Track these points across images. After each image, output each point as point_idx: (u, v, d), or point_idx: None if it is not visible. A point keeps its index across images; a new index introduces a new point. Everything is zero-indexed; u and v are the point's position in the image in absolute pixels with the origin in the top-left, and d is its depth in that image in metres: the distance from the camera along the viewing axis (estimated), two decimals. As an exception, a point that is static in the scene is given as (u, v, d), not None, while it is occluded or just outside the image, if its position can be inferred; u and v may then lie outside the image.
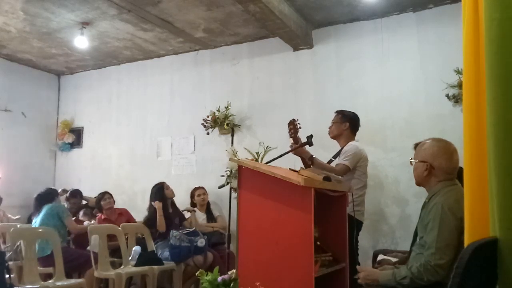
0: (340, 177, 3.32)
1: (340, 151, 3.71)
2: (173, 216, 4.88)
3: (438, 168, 2.30)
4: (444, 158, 2.30)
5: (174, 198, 5.02)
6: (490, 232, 1.67)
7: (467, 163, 1.81)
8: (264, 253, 2.57)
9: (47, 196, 4.57)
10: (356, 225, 3.37)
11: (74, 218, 4.97)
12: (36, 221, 4.40)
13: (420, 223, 2.30)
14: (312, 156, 3.45)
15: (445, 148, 2.32)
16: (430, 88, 4.47)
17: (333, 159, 3.77)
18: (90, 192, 5.77)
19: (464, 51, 1.87)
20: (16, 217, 5.47)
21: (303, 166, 3.42)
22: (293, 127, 3.48)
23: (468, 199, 1.81)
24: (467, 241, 1.80)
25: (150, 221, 4.73)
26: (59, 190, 5.29)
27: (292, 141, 3.48)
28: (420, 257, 2.18)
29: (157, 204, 4.70)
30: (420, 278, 2.12)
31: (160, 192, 4.84)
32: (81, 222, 5.01)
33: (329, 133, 3.84)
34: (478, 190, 1.76)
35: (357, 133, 3.86)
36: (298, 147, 3.45)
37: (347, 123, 3.77)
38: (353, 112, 3.85)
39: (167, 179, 5.56)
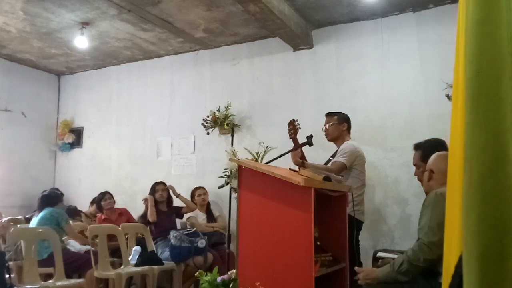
0: (340, 177, 3.32)
1: (337, 151, 3.72)
2: (169, 214, 4.91)
3: (437, 172, 2.40)
4: (443, 162, 2.37)
5: (173, 198, 5.05)
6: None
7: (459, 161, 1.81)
8: (264, 253, 2.57)
9: (51, 199, 4.49)
10: (356, 224, 3.37)
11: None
12: (33, 223, 4.39)
13: (419, 216, 2.36)
14: (303, 162, 3.43)
15: (444, 155, 2.43)
16: (430, 88, 4.47)
17: (331, 159, 3.78)
18: (90, 191, 5.77)
19: (456, 51, 1.87)
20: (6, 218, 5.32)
21: (303, 166, 3.42)
22: (293, 127, 3.48)
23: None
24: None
25: (143, 217, 4.89)
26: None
27: (293, 148, 3.48)
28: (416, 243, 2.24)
29: (149, 198, 4.88)
30: (416, 259, 2.16)
31: (151, 190, 5.00)
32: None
33: (326, 136, 3.84)
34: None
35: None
36: (296, 148, 3.45)
37: (345, 124, 3.79)
38: (344, 113, 3.87)
39: (167, 179, 5.57)
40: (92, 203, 5.64)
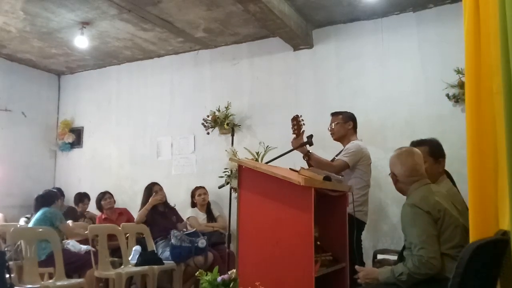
0: (340, 177, 3.31)
1: (342, 150, 3.71)
2: (169, 215, 4.92)
3: (398, 175, 2.52)
4: (399, 164, 2.52)
5: (173, 198, 5.05)
6: (500, 226, 1.68)
7: (470, 163, 1.82)
8: (264, 253, 2.57)
9: (46, 199, 4.49)
10: (357, 225, 3.36)
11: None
12: (30, 225, 4.38)
13: (401, 225, 2.41)
14: (308, 152, 3.45)
15: (398, 155, 2.55)
16: (430, 88, 4.47)
17: (335, 158, 3.76)
18: (90, 191, 5.76)
19: (466, 50, 1.87)
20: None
21: (303, 166, 3.42)
22: (297, 123, 3.47)
23: (472, 198, 1.82)
24: (472, 238, 1.81)
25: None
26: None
27: (295, 137, 3.46)
28: (411, 255, 2.25)
29: (152, 199, 4.81)
30: (417, 273, 2.19)
31: (148, 193, 4.92)
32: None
33: (332, 135, 3.82)
34: (481, 188, 1.77)
35: (357, 133, 3.87)
36: (298, 147, 3.45)
37: (350, 122, 3.77)
38: (350, 112, 3.86)
39: (167, 179, 5.58)
40: (76, 203, 5.55)
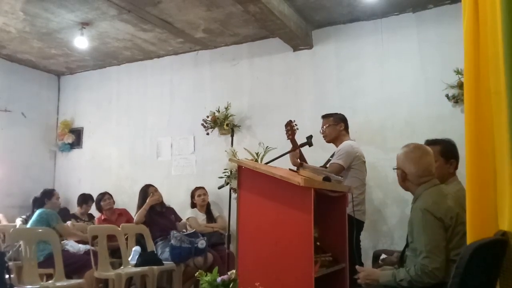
0: (340, 177, 3.32)
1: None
2: (168, 215, 4.93)
3: (409, 174, 2.43)
4: (411, 163, 2.42)
5: (173, 198, 5.04)
6: (500, 226, 1.68)
7: (469, 163, 1.82)
8: (264, 253, 2.57)
9: (39, 200, 4.52)
10: (356, 225, 3.37)
11: None
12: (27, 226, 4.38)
13: (409, 226, 2.35)
14: (301, 164, 3.44)
15: (411, 153, 2.44)
16: (430, 89, 4.47)
17: (331, 159, 3.78)
18: (90, 192, 5.75)
19: (465, 50, 1.87)
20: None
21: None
22: (290, 128, 3.49)
23: (471, 198, 1.81)
24: (469, 239, 1.81)
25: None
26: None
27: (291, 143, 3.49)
28: (414, 259, 2.23)
29: (150, 199, 4.79)
30: (419, 281, 2.16)
31: (144, 194, 4.89)
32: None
33: (324, 138, 3.84)
34: (481, 188, 1.77)
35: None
36: (295, 149, 3.46)
37: (341, 124, 3.79)
38: (340, 113, 3.87)
39: (167, 179, 5.57)
40: (79, 204, 5.54)
